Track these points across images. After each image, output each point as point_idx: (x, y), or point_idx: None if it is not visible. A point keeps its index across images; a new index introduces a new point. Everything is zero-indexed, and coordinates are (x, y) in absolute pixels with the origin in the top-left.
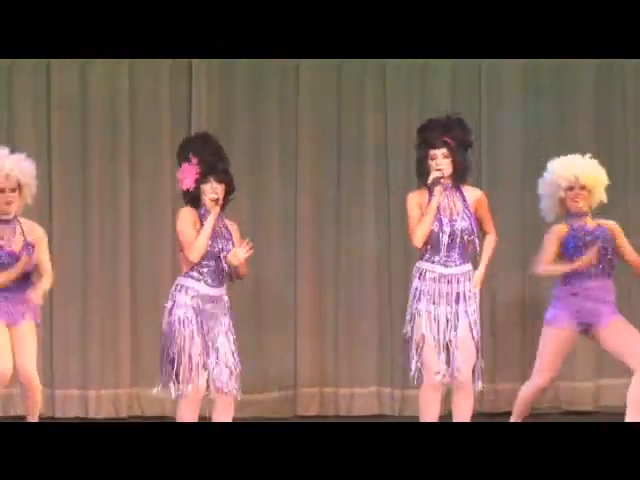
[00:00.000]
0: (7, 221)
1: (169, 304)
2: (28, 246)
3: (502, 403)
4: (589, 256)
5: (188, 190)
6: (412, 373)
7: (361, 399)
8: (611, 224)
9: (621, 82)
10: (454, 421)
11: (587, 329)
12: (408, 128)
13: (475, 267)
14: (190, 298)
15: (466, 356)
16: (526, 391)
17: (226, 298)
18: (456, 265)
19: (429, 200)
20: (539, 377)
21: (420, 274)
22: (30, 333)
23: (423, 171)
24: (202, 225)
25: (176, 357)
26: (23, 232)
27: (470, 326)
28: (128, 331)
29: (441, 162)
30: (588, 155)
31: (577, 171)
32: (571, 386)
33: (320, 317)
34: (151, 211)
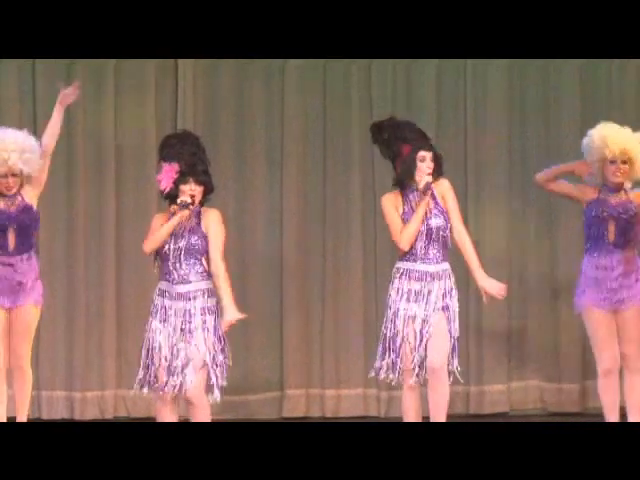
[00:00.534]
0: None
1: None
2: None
3: (488, 405)
4: None
5: (165, 190)
6: (378, 370)
7: (347, 400)
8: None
9: (606, 81)
10: (429, 410)
11: (615, 309)
12: None
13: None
14: (156, 297)
15: (439, 344)
16: (600, 383)
17: (200, 295)
18: (435, 263)
19: (404, 202)
20: (600, 363)
21: (400, 274)
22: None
23: (412, 173)
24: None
25: (143, 357)
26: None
27: (447, 319)
28: (114, 333)
29: (430, 164)
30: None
31: (623, 145)
32: (557, 387)
33: (306, 318)
34: (137, 214)
